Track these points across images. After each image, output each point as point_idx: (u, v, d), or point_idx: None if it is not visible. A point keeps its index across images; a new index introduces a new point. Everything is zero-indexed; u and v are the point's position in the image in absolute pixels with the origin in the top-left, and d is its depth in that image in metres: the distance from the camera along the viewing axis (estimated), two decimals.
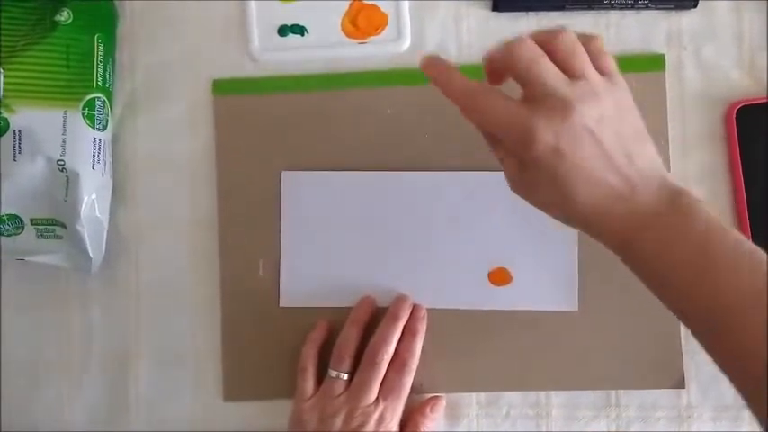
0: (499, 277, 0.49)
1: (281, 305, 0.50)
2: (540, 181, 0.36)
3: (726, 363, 0.35)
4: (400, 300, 0.49)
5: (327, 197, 0.50)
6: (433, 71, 0.38)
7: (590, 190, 0.35)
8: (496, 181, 0.48)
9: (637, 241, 0.36)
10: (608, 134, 0.35)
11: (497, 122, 0.36)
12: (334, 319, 0.49)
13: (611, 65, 0.37)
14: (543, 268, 0.49)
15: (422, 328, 0.48)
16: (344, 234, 0.50)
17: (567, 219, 0.38)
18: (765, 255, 0.34)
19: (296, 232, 0.50)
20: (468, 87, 0.37)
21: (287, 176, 0.50)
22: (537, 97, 0.35)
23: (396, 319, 0.48)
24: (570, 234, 0.48)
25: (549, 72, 0.35)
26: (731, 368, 0.34)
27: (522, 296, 0.49)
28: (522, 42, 0.36)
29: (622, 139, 0.36)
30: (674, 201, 0.36)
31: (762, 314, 0.32)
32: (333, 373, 0.47)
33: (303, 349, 0.49)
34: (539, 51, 0.36)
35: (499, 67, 0.37)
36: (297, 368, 0.48)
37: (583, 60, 0.36)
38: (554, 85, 0.35)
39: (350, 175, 0.50)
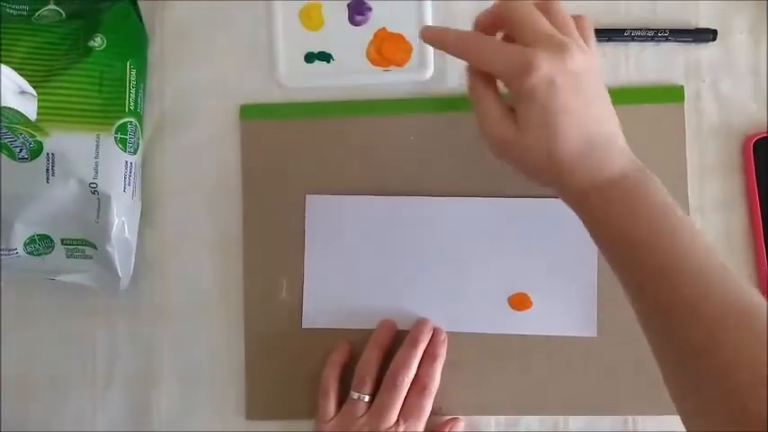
0: (519, 302, 0.50)
1: (303, 326, 0.51)
2: (530, 115, 0.38)
3: (664, 314, 0.37)
4: (421, 323, 0.49)
5: (350, 221, 0.51)
6: (430, 36, 0.42)
7: (573, 135, 0.38)
8: (517, 207, 0.50)
9: (598, 197, 0.39)
10: (591, 87, 0.39)
11: (493, 57, 0.39)
12: (356, 342, 0.50)
13: (593, 43, 0.41)
14: (563, 293, 0.49)
15: (442, 352, 0.49)
16: (367, 258, 0.51)
17: (549, 157, 0.38)
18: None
19: (319, 255, 0.51)
20: (461, 34, 0.40)
21: (311, 200, 0.51)
22: (535, 39, 0.38)
23: (416, 342, 0.48)
24: (590, 259, 0.49)
25: (545, 22, 0.39)
26: (670, 319, 0.36)
27: (542, 321, 0.49)
28: None
29: (598, 96, 0.40)
30: (640, 168, 0.39)
31: (712, 281, 0.35)
32: (354, 395, 0.48)
33: (324, 371, 0.49)
34: (533, 6, 0.39)
35: (492, 22, 0.41)
36: (318, 389, 0.49)
37: (571, 24, 0.40)
38: (550, 31, 0.38)
39: (373, 200, 0.51)
